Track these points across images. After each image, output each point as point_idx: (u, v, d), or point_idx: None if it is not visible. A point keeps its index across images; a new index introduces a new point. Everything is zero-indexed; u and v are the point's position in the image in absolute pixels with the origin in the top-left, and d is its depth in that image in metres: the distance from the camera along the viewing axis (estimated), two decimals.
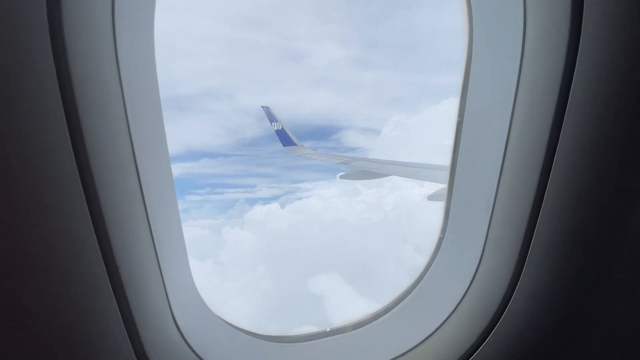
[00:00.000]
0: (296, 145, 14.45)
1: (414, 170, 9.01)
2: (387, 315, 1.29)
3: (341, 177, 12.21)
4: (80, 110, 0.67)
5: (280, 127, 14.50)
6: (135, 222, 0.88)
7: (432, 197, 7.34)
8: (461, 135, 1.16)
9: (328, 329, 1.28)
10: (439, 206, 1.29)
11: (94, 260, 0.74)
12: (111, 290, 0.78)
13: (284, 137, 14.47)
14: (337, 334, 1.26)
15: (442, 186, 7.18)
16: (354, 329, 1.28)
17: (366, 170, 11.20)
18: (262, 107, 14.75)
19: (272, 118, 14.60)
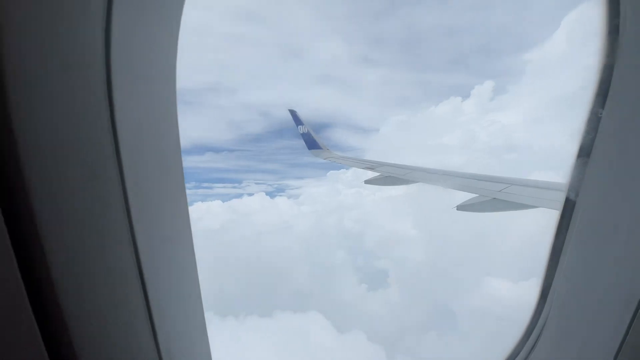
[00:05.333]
0: (321, 149, 14.46)
1: (444, 178, 8.59)
2: None
3: (366, 182, 11.94)
4: None
5: (307, 131, 14.64)
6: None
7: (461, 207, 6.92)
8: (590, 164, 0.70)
9: None
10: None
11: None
12: None
13: (309, 141, 14.56)
14: None
15: (472, 196, 6.73)
16: None
17: (392, 176, 10.87)
18: (289, 110, 14.91)
19: (298, 121, 14.74)
